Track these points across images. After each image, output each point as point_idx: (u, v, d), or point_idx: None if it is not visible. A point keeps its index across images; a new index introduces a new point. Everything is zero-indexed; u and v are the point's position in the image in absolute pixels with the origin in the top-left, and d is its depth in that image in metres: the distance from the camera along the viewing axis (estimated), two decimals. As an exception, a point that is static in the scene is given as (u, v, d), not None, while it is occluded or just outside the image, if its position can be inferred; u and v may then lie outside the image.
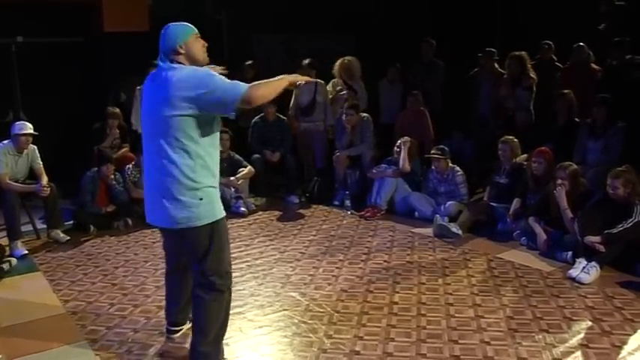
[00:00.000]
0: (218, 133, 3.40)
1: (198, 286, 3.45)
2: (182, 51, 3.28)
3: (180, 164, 3.20)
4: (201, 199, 3.25)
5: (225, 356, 3.61)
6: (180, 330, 3.90)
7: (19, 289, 5.01)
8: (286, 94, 8.33)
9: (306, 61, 8.22)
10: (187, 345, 3.64)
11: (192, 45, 3.31)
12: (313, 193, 7.88)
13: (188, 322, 3.90)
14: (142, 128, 3.45)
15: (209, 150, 3.29)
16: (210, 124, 3.27)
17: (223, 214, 3.41)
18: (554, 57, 8.25)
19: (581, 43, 7.61)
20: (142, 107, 3.41)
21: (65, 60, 8.80)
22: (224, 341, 3.64)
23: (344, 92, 8.18)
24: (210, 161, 3.30)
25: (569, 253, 5.23)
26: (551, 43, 8.28)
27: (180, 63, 3.25)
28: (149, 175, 3.38)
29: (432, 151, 6.85)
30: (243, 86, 3.14)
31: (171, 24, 3.35)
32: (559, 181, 5.47)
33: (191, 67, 3.23)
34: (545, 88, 7.62)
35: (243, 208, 7.20)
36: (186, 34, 3.31)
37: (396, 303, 4.47)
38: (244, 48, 9.80)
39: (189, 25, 3.37)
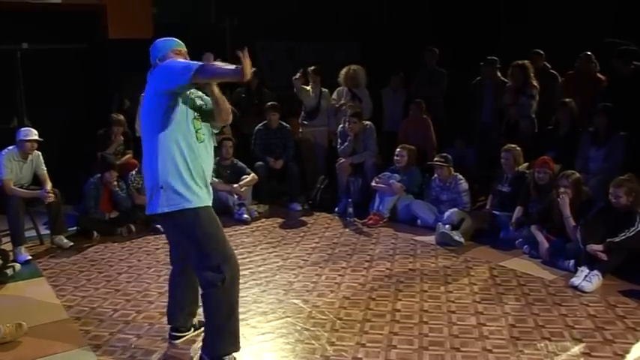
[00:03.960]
0: (194, 132, 3.50)
1: (198, 280, 3.62)
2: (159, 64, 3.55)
3: (152, 155, 3.44)
4: (161, 187, 3.42)
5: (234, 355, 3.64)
6: (183, 337, 3.92)
7: (23, 294, 5.03)
8: (292, 100, 8.45)
9: (312, 67, 8.27)
10: (191, 352, 3.68)
11: (170, 59, 3.52)
12: (316, 201, 7.90)
13: (192, 329, 3.94)
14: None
15: (179, 146, 3.43)
16: (179, 120, 3.43)
17: (198, 204, 3.47)
18: (548, 64, 8.27)
19: (588, 52, 7.62)
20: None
21: (69, 66, 8.85)
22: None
23: (348, 102, 8.21)
24: (184, 154, 3.44)
25: (572, 261, 5.24)
26: (540, 51, 8.30)
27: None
28: None
29: (435, 159, 6.86)
30: (195, 63, 3.33)
31: (158, 40, 3.65)
32: (562, 190, 5.48)
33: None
34: (540, 96, 7.62)
35: (246, 215, 7.22)
36: (165, 49, 3.59)
37: (399, 310, 4.47)
38: (248, 55, 9.82)
39: (174, 39, 3.64)
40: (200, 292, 3.64)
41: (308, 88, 8.31)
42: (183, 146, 3.43)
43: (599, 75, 7.61)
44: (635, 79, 6.86)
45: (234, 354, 3.64)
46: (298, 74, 8.04)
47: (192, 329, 3.99)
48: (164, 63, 3.45)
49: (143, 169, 3.63)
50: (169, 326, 4.03)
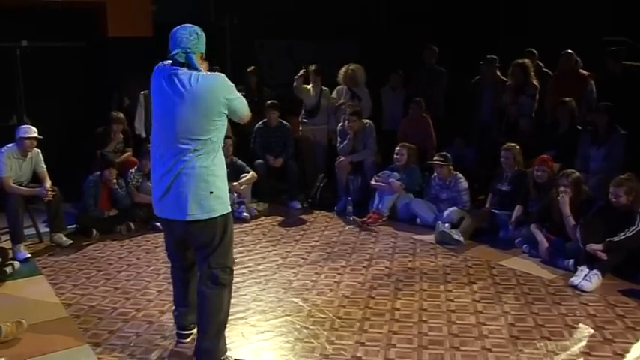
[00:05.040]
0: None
1: (202, 279, 3.56)
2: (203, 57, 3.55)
3: (202, 161, 3.39)
4: (211, 192, 3.41)
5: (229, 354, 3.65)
6: (191, 334, 3.91)
7: (22, 292, 5.03)
8: (291, 99, 8.44)
9: (313, 67, 8.28)
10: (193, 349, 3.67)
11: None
12: (315, 199, 7.90)
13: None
14: (157, 127, 3.52)
15: (221, 149, 3.54)
16: (224, 127, 3.51)
17: (230, 209, 3.58)
18: (541, 63, 8.27)
19: (569, 50, 7.63)
20: (163, 107, 3.45)
21: (69, 64, 8.83)
22: (227, 345, 3.66)
23: (347, 101, 8.20)
24: (221, 158, 3.54)
25: (571, 260, 5.24)
26: (533, 50, 8.31)
27: (201, 68, 3.45)
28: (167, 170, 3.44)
29: (435, 158, 6.86)
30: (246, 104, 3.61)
31: (198, 27, 3.52)
32: (562, 189, 5.48)
33: (218, 74, 3.48)
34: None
35: (245, 214, 7.22)
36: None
37: (398, 309, 4.47)
38: (247, 53, 9.84)
39: None
40: (201, 291, 3.57)
41: (308, 87, 8.31)
42: (222, 152, 3.58)
43: (581, 71, 7.63)
44: (626, 78, 6.89)
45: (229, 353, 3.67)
46: (301, 72, 8.05)
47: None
48: (229, 83, 3.46)
49: (176, 173, 3.38)
50: (176, 325, 3.99)
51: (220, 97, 3.38)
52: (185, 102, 3.33)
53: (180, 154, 3.37)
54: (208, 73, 3.47)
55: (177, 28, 3.47)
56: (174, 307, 4.00)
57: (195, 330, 3.85)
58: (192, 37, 3.43)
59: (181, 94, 3.34)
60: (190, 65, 3.40)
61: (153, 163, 3.57)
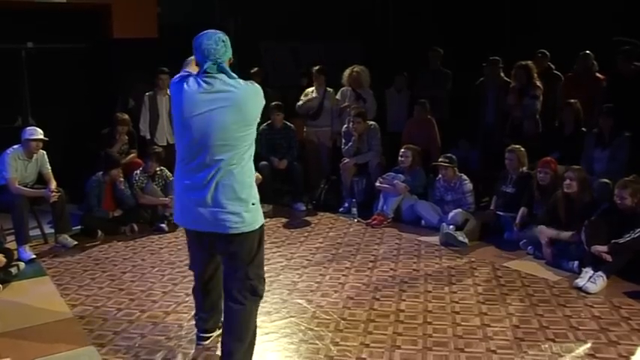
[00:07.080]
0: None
1: (239, 291, 3.43)
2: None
3: (239, 171, 3.29)
4: (253, 204, 3.34)
5: None
6: (211, 337, 3.91)
7: (27, 293, 5.03)
8: (295, 101, 8.45)
9: (317, 68, 8.29)
10: (218, 352, 3.64)
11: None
12: (320, 201, 7.90)
13: (217, 329, 3.89)
14: (187, 138, 3.32)
15: (251, 160, 3.42)
16: (254, 134, 3.39)
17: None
18: (552, 65, 8.25)
19: (587, 51, 7.61)
20: (193, 117, 3.26)
21: (74, 65, 8.85)
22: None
23: (352, 103, 8.21)
24: (252, 167, 3.43)
25: (576, 262, 5.22)
26: (545, 51, 8.29)
27: (235, 75, 3.34)
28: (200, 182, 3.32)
29: (440, 160, 6.85)
30: None
31: (221, 33, 3.38)
32: (567, 181, 5.47)
33: (251, 84, 3.36)
34: (544, 97, 7.61)
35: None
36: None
37: (403, 311, 4.47)
38: (252, 55, 9.85)
39: None
40: (237, 302, 3.44)
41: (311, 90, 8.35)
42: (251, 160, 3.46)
43: (597, 74, 7.60)
44: (637, 79, 6.86)
45: None
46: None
47: (218, 329, 3.87)
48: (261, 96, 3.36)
49: (213, 186, 3.26)
50: (197, 329, 3.97)
51: (258, 105, 3.33)
52: (222, 109, 3.19)
53: (216, 165, 3.24)
54: (246, 81, 3.35)
55: (200, 37, 3.29)
56: (194, 313, 4.00)
57: (215, 332, 3.88)
58: (219, 45, 3.27)
59: (217, 101, 3.21)
60: (225, 75, 3.28)
61: (179, 175, 3.41)
